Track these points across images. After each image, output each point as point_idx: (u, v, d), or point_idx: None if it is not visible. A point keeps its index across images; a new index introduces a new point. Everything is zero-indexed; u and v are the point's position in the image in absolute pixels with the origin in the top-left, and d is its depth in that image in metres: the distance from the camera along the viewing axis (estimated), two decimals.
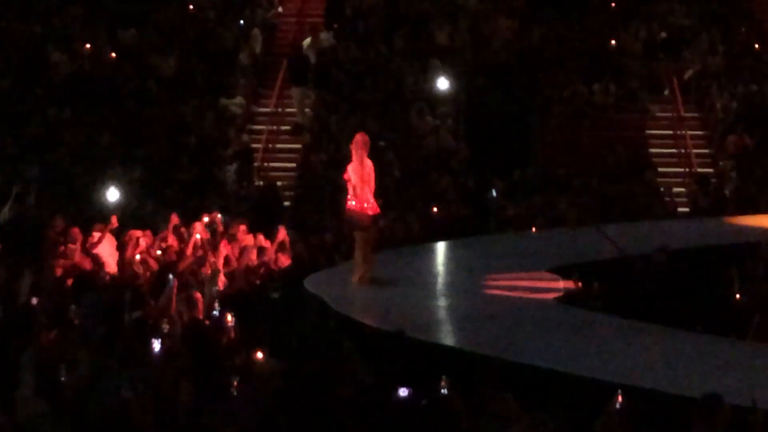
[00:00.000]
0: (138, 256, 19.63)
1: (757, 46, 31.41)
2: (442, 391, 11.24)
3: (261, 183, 28.00)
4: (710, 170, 28.40)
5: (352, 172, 17.47)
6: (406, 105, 29.29)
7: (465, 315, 16.66)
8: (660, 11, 32.14)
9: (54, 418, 10.79)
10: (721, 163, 28.34)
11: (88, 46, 30.62)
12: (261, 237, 21.68)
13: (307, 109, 29.93)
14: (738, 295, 17.79)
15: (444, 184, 26.71)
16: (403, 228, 23.64)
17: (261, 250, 21.02)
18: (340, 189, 18.53)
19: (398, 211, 23.85)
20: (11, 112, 28.28)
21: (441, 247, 22.38)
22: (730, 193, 26.90)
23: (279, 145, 29.75)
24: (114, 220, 20.72)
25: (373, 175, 17.65)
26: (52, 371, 12.02)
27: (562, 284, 17.69)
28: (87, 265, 19.18)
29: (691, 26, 31.78)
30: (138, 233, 20.37)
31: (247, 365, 12.55)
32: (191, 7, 32.41)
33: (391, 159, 25.87)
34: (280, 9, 33.98)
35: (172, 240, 20.53)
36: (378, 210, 18.16)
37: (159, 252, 20.07)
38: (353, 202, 17.60)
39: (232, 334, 14.51)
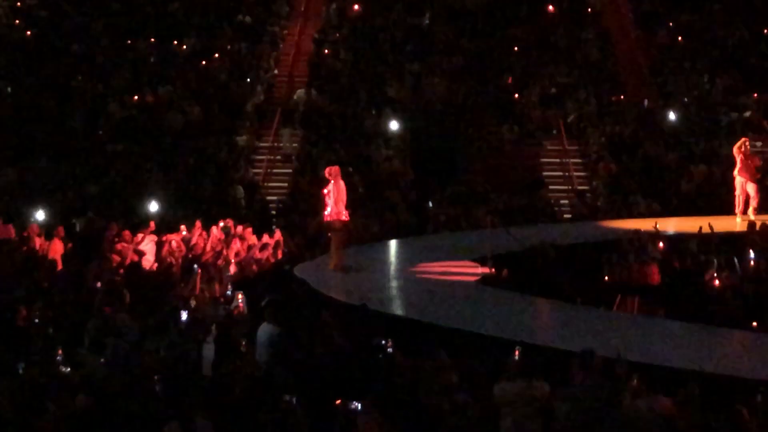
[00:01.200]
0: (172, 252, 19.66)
1: (622, 96, 31.61)
2: (389, 350, 11.28)
3: (261, 198, 28.05)
4: (586, 187, 28.49)
5: (329, 191, 17.55)
6: (367, 141, 29.32)
7: (410, 292, 16.68)
8: (549, 73, 32.22)
9: (106, 371, 10.72)
10: (594, 182, 28.46)
11: (135, 98, 30.52)
12: (266, 236, 21.76)
13: (294, 144, 29.87)
14: (606, 278, 17.88)
15: (395, 198, 26.74)
16: (365, 230, 23.62)
17: (264, 246, 21.06)
18: (319, 202, 18.50)
19: (362, 217, 23.79)
20: (80, 147, 28.16)
21: (393, 244, 22.40)
22: (601, 204, 27.05)
23: (275, 170, 29.66)
24: (152, 225, 20.72)
25: (344, 192, 17.72)
26: (107, 336, 11.97)
27: (480, 270, 17.71)
28: (134, 258, 19.11)
29: (572, 83, 31.88)
30: (171, 236, 20.36)
31: (252, 330, 12.52)
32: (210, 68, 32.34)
33: (357, 180, 25.83)
34: (275, 71, 33.94)
35: (195, 240, 20.48)
36: (348, 218, 18.17)
37: (186, 249, 20.04)
38: (329, 212, 17.65)
39: (241, 308, 14.49)
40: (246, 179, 28.54)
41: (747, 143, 22.40)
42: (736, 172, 21.88)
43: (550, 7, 35.10)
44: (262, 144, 30.61)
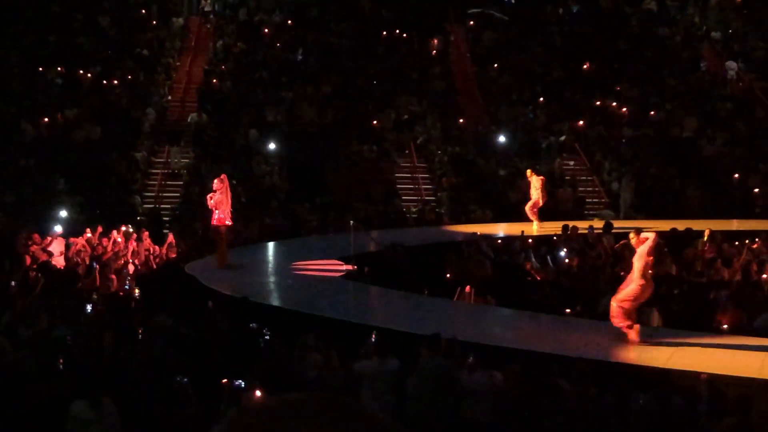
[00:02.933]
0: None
1: (462, 122, 32.13)
2: (266, 336, 11.24)
3: (156, 206, 27.54)
4: (433, 198, 28.86)
5: (216, 199, 17.35)
6: (250, 157, 29.06)
7: (284, 286, 16.64)
8: (402, 102, 32.55)
9: (17, 355, 10.38)
10: (439, 194, 28.85)
11: (45, 119, 29.58)
12: (171, 236, 21.44)
13: (185, 160, 29.36)
14: (448, 272, 18.15)
15: (273, 206, 26.59)
16: (247, 233, 23.44)
17: (170, 246, 20.81)
18: (207, 209, 18.26)
19: (244, 222, 23.59)
20: None
21: (270, 245, 22.28)
22: (444, 211, 27.45)
23: (169, 182, 29.10)
24: (59, 230, 20.25)
25: (230, 200, 17.59)
26: (19, 326, 11.59)
27: (344, 267, 17.78)
28: (44, 258, 18.55)
29: (421, 111, 32.28)
30: (77, 239, 19.86)
31: (148, 319, 12.29)
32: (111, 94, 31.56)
33: (240, 191, 25.58)
34: (169, 97, 33.41)
35: (97, 241, 20.04)
36: (232, 222, 18.01)
37: (90, 249, 19.55)
38: (216, 217, 17.46)
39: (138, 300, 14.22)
40: (143, 190, 27.95)
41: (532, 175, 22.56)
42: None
43: (403, 47, 35.57)
44: (157, 159, 30.04)
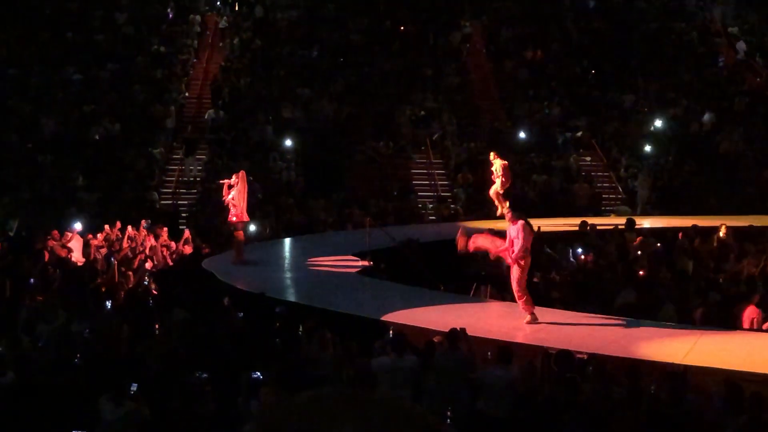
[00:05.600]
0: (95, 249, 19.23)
1: (477, 118, 32.06)
2: (282, 331, 11.25)
3: (173, 202, 27.64)
4: (449, 194, 28.83)
5: (235, 194, 17.41)
6: (266, 154, 29.11)
7: (301, 282, 16.66)
8: (418, 99, 32.51)
9: (40, 351, 10.45)
10: (455, 189, 28.82)
11: (63, 115, 29.72)
12: (187, 232, 21.44)
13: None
14: (463, 268, 18.07)
15: (289, 202, 26.63)
16: (264, 229, 23.49)
17: (186, 241, 20.80)
18: (223, 206, 18.33)
19: (261, 218, 23.65)
20: (14, 158, 27.27)
21: (287, 241, 22.33)
22: (461, 208, 27.40)
23: (190, 169, 29.14)
24: (78, 227, 20.37)
25: (247, 197, 17.66)
26: (37, 323, 11.67)
27: (360, 263, 17.79)
28: (62, 254, 18.65)
29: (436, 108, 32.24)
30: (95, 240, 19.98)
31: (166, 315, 12.34)
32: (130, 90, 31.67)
33: (257, 188, 25.62)
34: (186, 93, 33.54)
35: (115, 237, 20.14)
36: (248, 218, 18.07)
37: (106, 245, 19.67)
38: (233, 213, 17.53)
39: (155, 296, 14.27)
40: (160, 186, 28.05)
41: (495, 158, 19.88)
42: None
43: (419, 44, 35.51)
44: (174, 156, 30.13)
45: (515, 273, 12.58)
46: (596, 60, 34.76)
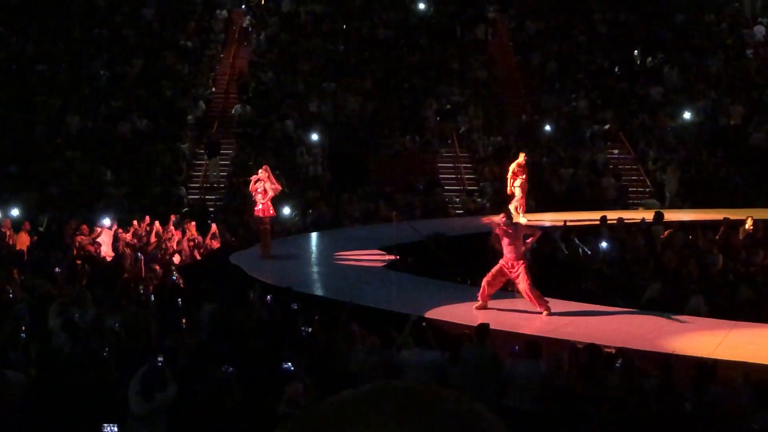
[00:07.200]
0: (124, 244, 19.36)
1: (504, 111, 31.93)
2: (310, 326, 11.29)
3: (201, 197, 27.79)
4: (475, 188, 28.75)
5: (261, 189, 17.45)
6: (293, 148, 29.16)
7: (327, 276, 16.69)
8: (444, 92, 32.44)
9: (72, 344, 10.54)
10: (481, 183, 28.73)
11: (90, 111, 29.94)
12: (214, 227, 21.50)
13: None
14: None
15: (315, 196, 26.67)
16: (290, 224, 23.56)
17: (213, 236, 20.90)
18: (250, 200, 18.41)
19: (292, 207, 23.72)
20: (42, 153, 27.51)
21: (314, 235, 22.38)
22: (487, 202, 27.32)
23: (214, 173, 29.29)
24: (107, 222, 20.47)
25: (273, 189, 17.71)
26: (71, 315, 11.76)
27: (387, 257, 17.80)
28: (91, 249, 18.81)
29: (463, 101, 32.15)
30: (124, 234, 20.11)
31: (193, 309, 12.41)
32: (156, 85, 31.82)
33: (284, 182, 25.67)
34: (213, 88, 33.67)
35: (143, 232, 20.26)
36: (274, 213, 18.12)
37: (135, 240, 19.79)
38: (260, 207, 17.58)
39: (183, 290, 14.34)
40: (188, 181, 28.18)
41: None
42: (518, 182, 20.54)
43: (445, 38, 35.42)
44: (201, 151, 30.29)
45: (522, 279, 12.74)
46: (623, 52, 34.50)
